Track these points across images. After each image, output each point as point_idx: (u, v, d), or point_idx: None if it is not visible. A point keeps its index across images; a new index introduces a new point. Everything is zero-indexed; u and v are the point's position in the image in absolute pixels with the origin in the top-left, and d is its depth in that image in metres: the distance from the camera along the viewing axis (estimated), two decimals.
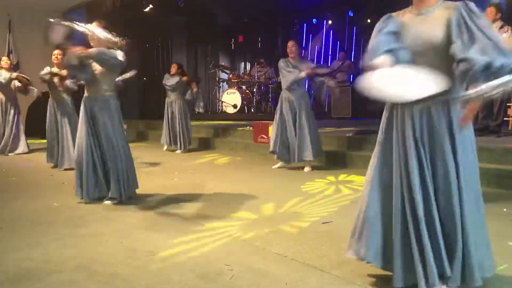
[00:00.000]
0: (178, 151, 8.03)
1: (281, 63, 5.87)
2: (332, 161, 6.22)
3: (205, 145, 8.64)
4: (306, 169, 5.88)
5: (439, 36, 2.16)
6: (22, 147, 7.99)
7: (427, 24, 2.23)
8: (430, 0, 2.27)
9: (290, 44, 5.87)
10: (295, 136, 5.75)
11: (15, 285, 2.41)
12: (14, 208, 4.07)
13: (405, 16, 2.34)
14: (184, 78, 8.02)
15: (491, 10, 5.88)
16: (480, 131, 6.15)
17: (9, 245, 3.05)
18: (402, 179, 2.21)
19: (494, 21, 5.88)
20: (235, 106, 11.28)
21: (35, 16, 11.79)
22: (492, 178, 4.56)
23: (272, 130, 6.09)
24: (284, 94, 5.89)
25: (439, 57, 2.18)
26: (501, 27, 5.80)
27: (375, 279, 2.38)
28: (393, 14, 2.38)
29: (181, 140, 7.98)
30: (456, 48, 2.07)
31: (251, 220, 3.59)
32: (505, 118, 6.60)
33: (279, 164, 6.09)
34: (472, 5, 2.14)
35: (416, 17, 2.30)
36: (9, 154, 7.80)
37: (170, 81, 8.00)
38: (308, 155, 5.71)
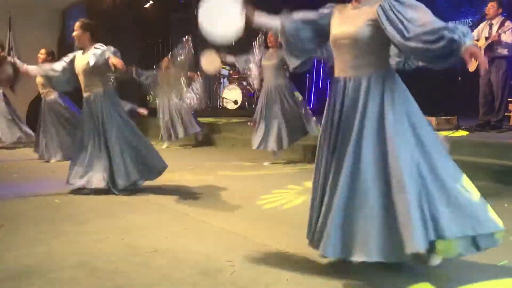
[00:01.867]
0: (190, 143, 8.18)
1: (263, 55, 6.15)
2: None
3: (205, 141, 8.63)
4: (266, 163, 6.07)
5: (362, 30, 2.32)
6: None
7: (356, 19, 2.37)
8: None
9: (269, 34, 5.94)
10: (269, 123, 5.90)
11: (16, 281, 2.41)
12: (15, 205, 4.07)
13: (340, 10, 2.50)
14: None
15: (492, 5, 5.86)
16: (481, 126, 6.14)
17: (10, 242, 3.05)
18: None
19: (495, 16, 5.86)
20: (235, 102, 11.26)
21: (36, 13, 11.77)
22: (493, 173, 4.55)
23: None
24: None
25: (360, 49, 2.35)
26: (503, 22, 5.78)
27: (375, 276, 2.38)
28: (337, 6, 2.55)
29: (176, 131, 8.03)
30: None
31: (252, 216, 3.59)
32: (506, 114, 6.58)
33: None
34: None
35: (351, 11, 2.44)
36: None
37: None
38: (270, 145, 5.86)
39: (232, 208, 3.85)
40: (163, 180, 5.08)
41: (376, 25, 2.30)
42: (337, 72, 2.48)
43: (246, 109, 11.16)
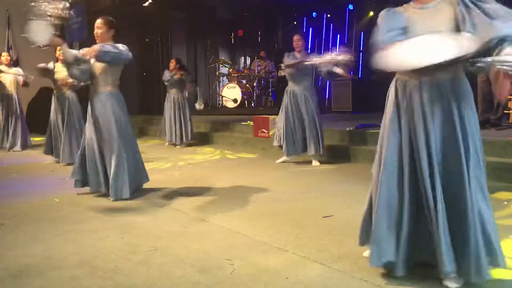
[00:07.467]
0: (178, 146, 8.08)
1: (285, 57, 5.88)
2: (334, 155, 6.22)
3: (205, 139, 8.63)
4: (314, 163, 5.87)
5: (448, 30, 2.18)
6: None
7: (435, 19, 2.24)
8: None
9: (296, 38, 5.86)
10: (300, 129, 5.79)
11: (17, 280, 2.41)
12: (15, 204, 4.07)
13: (408, 11, 2.34)
14: (177, 75, 8.02)
15: None
16: (480, 124, 6.13)
17: (11, 241, 3.06)
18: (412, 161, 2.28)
19: None
20: (235, 100, 11.26)
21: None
22: (492, 171, 4.54)
23: (277, 123, 6.09)
24: (288, 87, 5.93)
25: None
26: None
27: (375, 273, 2.38)
28: (396, 9, 2.38)
29: (180, 134, 8.02)
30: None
31: (252, 214, 3.59)
32: (505, 111, 6.58)
33: (283, 158, 6.05)
34: None
35: (421, 11, 2.30)
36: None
37: (165, 76, 8.08)
38: (311, 149, 5.74)
39: (232, 206, 3.85)
40: (162, 179, 5.08)
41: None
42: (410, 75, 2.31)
43: (245, 108, 11.17)
